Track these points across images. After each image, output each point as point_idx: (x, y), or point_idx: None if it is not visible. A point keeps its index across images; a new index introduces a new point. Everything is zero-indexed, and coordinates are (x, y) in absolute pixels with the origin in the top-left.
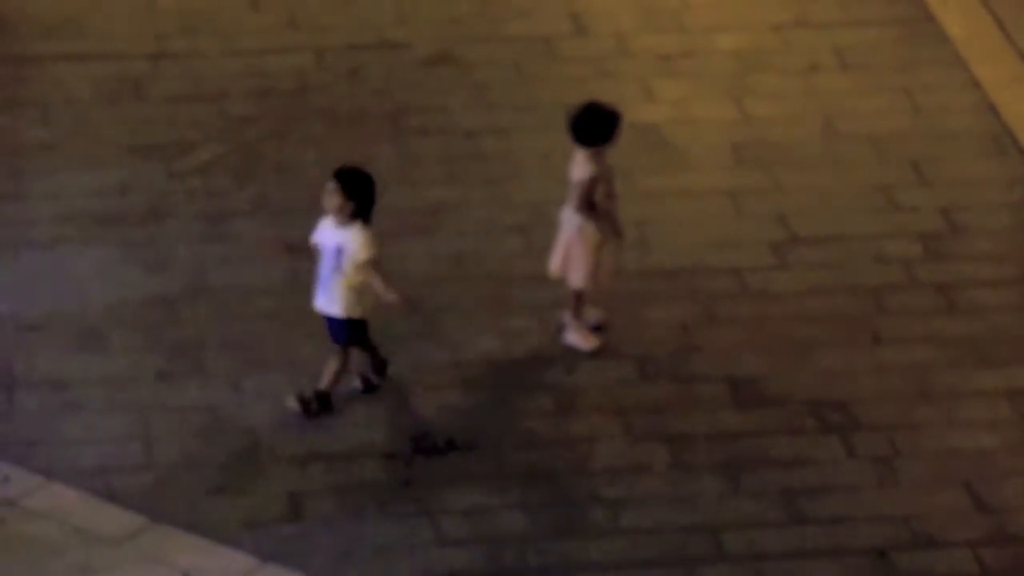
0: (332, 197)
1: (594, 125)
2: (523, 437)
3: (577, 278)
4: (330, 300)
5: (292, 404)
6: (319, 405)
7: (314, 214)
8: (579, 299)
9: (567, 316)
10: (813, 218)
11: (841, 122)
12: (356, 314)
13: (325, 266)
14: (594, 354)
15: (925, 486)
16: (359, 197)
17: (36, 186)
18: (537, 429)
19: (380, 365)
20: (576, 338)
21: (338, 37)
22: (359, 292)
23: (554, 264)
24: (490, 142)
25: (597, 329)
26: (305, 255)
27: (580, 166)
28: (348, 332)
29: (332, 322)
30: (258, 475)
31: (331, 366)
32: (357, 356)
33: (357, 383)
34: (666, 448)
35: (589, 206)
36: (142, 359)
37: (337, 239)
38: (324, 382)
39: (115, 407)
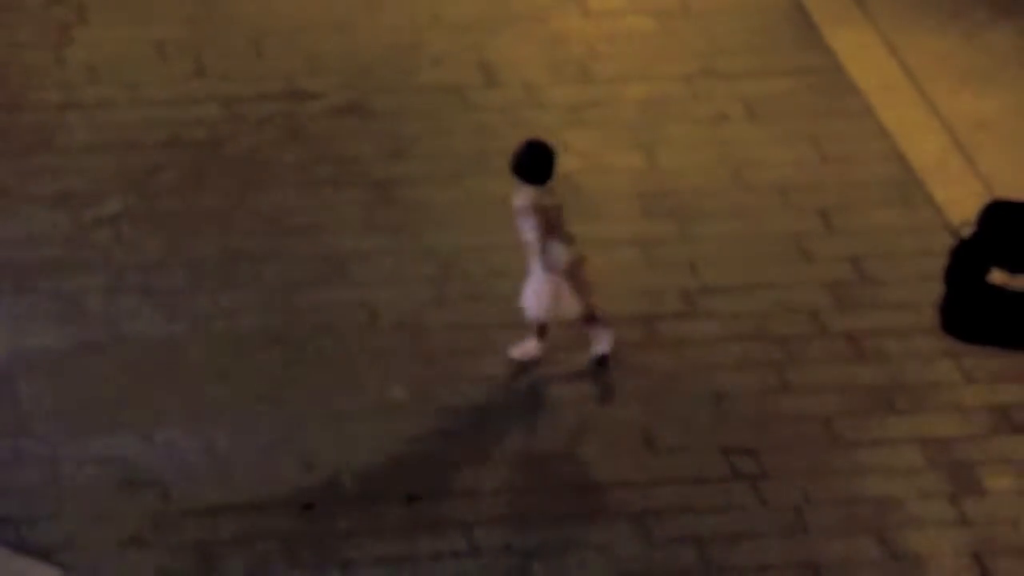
0: None
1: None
2: (433, 486)
3: (577, 306)
4: None
5: None
6: None
7: (224, 265)
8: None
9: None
10: (723, 267)
11: (750, 172)
12: None
13: None
14: (507, 404)
15: (835, 534)
16: None
17: None
18: (448, 477)
19: None
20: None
21: (247, 87)
22: None
23: (573, 310)
24: (402, 191)
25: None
26: (215, 306)
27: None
28: None
29: None
30: (168, 527)
31: None
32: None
33: None
34: (578, 496)
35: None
36: (52, 410)
37: None
38: None
39: (25, 458)
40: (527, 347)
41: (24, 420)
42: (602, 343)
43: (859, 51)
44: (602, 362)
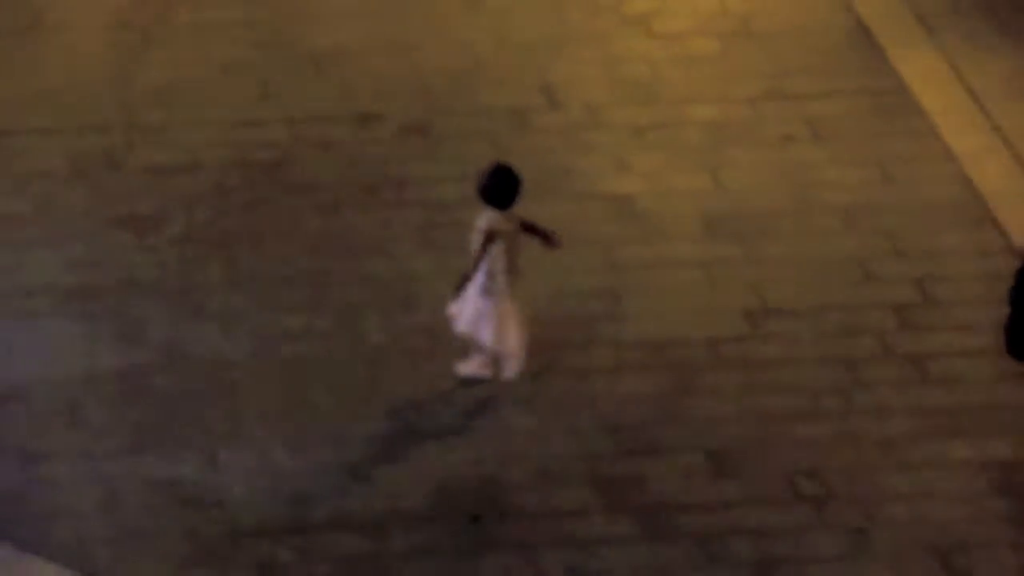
0: None
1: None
2: (496, 507)
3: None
4: None
5: None
6: None
7: (285, 286)
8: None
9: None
10: (787, 289)
11: (814, 193)
12: None
13: None
14: (569, 424)
15: (899, 557)
16: None
17: (8, 259)
18: (510, 499)
19: None
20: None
21: (312, 109)
22: None
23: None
24: (464, 213)
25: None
26: (276, 327)
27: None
28: None
29: None
30: (230, 548)
31: None
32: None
33: None
34: (640, 518)
35: None
36: (115, 431)
37: None
38: None
39: (88, 479)
40: (504, 365)
41: (84, 441)
42: (471, 368)
43: (924, 72)
44: (466, 382)
